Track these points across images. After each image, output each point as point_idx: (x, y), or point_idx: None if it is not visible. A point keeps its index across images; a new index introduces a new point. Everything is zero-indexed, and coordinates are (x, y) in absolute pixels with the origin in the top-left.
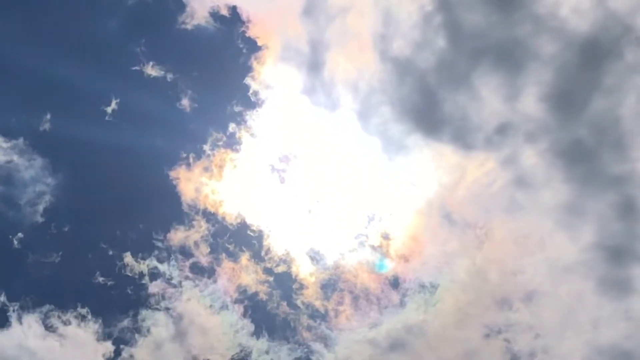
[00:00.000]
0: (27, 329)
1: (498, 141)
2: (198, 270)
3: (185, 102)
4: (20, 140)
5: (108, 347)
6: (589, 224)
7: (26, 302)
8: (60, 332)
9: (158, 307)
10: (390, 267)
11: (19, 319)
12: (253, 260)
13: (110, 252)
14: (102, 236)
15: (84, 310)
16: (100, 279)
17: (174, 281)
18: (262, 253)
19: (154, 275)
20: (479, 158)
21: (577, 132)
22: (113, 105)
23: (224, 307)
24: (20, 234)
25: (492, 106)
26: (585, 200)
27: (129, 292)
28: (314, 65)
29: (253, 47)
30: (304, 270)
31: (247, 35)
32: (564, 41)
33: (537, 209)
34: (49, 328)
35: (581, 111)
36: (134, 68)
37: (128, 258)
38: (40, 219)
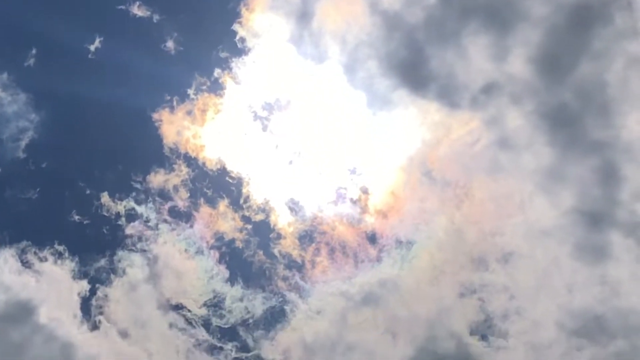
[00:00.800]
0: (3, 264)
1: (483, 101)
2: (176, 214)
3: (170, 44)
4: (5, 75)
5: (83, 285)
6: (569, 189)
7: (3, 237)
8: (36, 269)
9: (134, 248)
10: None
11: None
12: (231, 207)
13: (88, 191)
14: (80, 174)
15: (60, 248)
16: (76, 217)
17: (150, 224)
18: (241, 200)
19: (131, 216)
20: (463, 117)
21: (562, 96)
22: (96, 43)
23: (200, 252)
24: None
25: (479, 65)
26: (567, 164)
27: (105, 232)
28: (303, 15)
29: None
30: (282, 221)
31: None
32: (554, 3)
33: (519, 171)
34: (25, 264)
35: (568, 75)
36: (119, 7)
37: (105, 198)
38: (22, 155)
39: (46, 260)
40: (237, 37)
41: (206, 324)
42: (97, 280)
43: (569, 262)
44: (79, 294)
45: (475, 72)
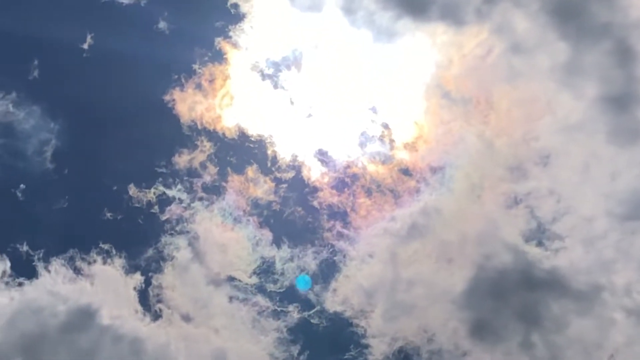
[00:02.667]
0: (55, 276)
1: (487, 10)
2: (207, 190)
3: (162, 24)
4: (14, 94)
5: (138, 278)
6: (590, 78)
7: (49, 250)
8: (87, 273)
9: (175, 231)
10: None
11: (46, 268)
12: (260, 170)
13: (115, 187)
14: (104, 172)
15: (106, 246)
16: (109, 215)
17: (184, 204)
18: (269, 162)
19: (164, 201)
20: (471, 31)
21: None
22: (89, 40)
23: (238, 221)
24: (22, 185)
25: None
26: (582, 54)
27: (140, 222)
28: None
29: None
30: (315, 174)
31: None
32: None
33: (537, 72)
34: (76, 271)
35: None
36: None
37: (133, 190)
38: (50, 166)
39: (95, 262)
40: (229, 4)
41: (261, 291)
42: (149, 270)
43: (606, 150)
44: (134, 287)
45: None
